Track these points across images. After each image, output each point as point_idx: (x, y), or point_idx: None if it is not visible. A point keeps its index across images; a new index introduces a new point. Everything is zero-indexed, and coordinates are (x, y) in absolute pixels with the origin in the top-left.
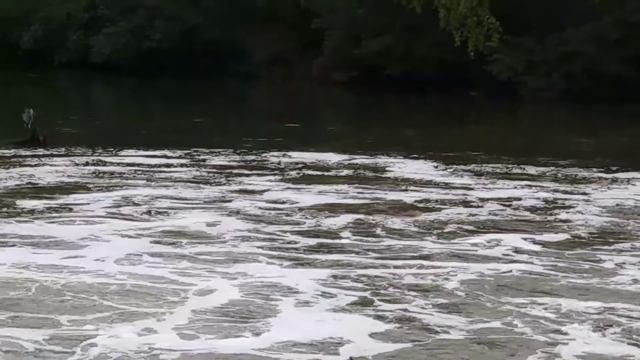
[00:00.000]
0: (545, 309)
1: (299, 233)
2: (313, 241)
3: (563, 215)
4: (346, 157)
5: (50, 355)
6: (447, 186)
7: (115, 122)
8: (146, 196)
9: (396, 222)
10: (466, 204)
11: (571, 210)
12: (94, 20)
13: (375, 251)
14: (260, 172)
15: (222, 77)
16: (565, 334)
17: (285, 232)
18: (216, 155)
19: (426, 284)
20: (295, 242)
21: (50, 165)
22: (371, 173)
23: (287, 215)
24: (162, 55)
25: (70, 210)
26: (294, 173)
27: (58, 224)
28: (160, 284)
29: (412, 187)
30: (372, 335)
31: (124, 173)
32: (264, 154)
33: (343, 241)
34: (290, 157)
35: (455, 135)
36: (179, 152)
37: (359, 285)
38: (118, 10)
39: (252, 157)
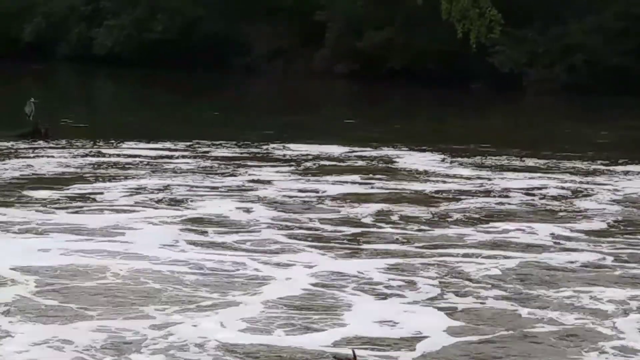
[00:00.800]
0: (604, 299)
1: (331, 222)
2: (350, 230)
3: (588, 204)
4: (351, 149)
5: (144, 344)
6: (461, 177)
7: (116, 115)
8: (160, 185)
9: (424, 212)
10: (487, 193)
11: (596, 199)
12: (96, 12)
13: (418, 240)
14: (268, 163)
15: (223, 70)
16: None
17: (317, 220)
18: (218, 147)
19: (483, 274)
20: (334, 231)
21: (54, 157)
22: (382, 164)
23: (315, 203)
24: (163, 48)
25: (92, 200)
26: (306, 164)
27: (86, 213)
28: (225, 273)
29: (426, 178)
30: (447, 329)
31: (130, 164)
32: (267, 147)
33: (382, 230)
34: (294, 149)
35: (460, 128)
36: (182, 144)
37: (421, 276)
38: (120, 2)
39: (257, 150)
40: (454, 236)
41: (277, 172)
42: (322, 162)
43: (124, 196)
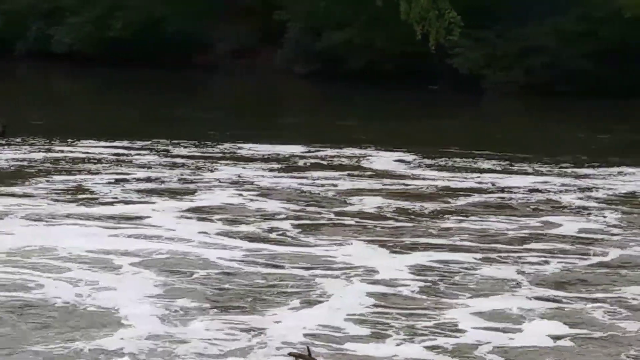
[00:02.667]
0: None
1: (349, 214)
2: (380, 223)
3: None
4: (311, 148)
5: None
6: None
7: (75, 113)
8: (143, 178)
9: (433, 206)
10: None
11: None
12: (56, 10)
13: (454, 233)
14: (237, 162)
15: (185, 68)
16: None
17: (335, 213)
18: (177, 147)
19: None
20: (362, 224)
21: (14, 153)
22: (350, 163)
23: (324, 196)
24: (124, 45)
25: (90, 192)
26: (276, 163)
27: (91, 205)
28: (288, 268)
29: (399, 179)
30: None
31: (92, 160)
32: (230, 145)
33: (411, 224)
34: (258, 149)
35: (421, 129)
36: (139, 143)
37: (489, 272)
38: (80, 0)
39: (221, 148)
40: (485, 229)
41: (245, 169)
42: (287, 161)
43: (113, 188)
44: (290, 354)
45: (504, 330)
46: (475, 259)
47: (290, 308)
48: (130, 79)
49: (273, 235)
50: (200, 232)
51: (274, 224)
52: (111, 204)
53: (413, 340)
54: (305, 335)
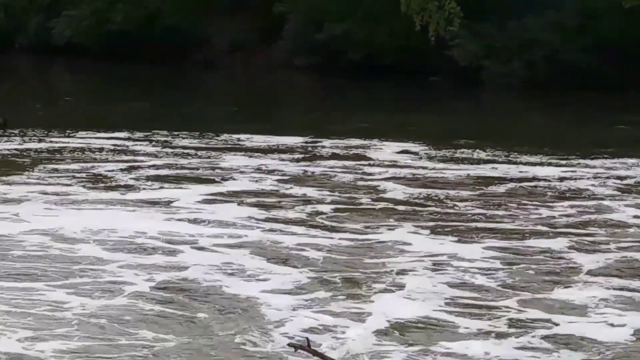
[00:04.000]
0: None
1: (387, 200)
2: (427, 210)
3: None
4: (308, 140)
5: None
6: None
7: (75, 105)
8: (155, 165)
9: (471, 195)
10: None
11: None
12: (56, 3)
13: (519, 219)
14: (243, 152)
15: (183, 64)
16: None
17: (372, 199)
18: (176, 138)
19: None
20: (413, 211)
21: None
22: (353, 154)
23: (351, 183)
24: (123, 39)
25: (110, 179)
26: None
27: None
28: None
29: (419, 169)
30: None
31: (99, 150)
32: (236, 137)
33: (463, 210)
34: (263, 140)
35: (424, 121)
36: (137, 134)
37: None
38: None
39: (226, 139)
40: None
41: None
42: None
43: (131, 177)
44: (289, 345)
45: (591, 322)
46: (543, 246)
47: (382, 291)
48: (129, 74)
49: (322, 221)
50: (249, 217)
51: (320, 208)
52: (136, 190)
53: (498, 335)
54: (397, 320)
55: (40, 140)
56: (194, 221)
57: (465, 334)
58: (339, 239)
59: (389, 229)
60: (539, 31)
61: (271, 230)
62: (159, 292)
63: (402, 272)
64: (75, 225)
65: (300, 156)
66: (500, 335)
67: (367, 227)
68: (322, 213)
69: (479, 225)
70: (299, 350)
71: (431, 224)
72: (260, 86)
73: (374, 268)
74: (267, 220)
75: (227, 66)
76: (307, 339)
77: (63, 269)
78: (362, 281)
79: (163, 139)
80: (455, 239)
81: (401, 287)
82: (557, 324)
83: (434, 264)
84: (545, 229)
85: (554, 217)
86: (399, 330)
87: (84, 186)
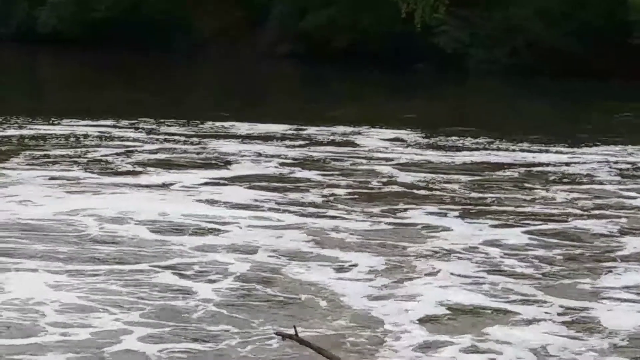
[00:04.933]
0: None
1: (402, 185)
2: (446, 194)
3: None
4: (299, 127)
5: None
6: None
7: (61, 94)
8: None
9: (484, 179)
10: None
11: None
12: None
13: (542, 203)
14: (231, 139)
15: (168, 51)
16: None
17: (382, 183)
18: (162, 125)
19: None
20: (431, 195)
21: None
22: (344, 141)
23: (350, 167)
24: (108, 27)
25: (109, 163)
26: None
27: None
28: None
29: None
30: None
31: (89, 137)
32: (222, 124)
33: (481, 195)
34: (251, 128)
35: (413, 109)
36: (124, 122)
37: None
38: None
39: (213, 127)
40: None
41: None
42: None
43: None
44: (277, 334)
45: None
46: (579, 230)
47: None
48: (113, 61)
49: (342, 205)
50: (269, 200)
51: (335, 192)
52: (138, 174)
53: (551, 323)
54: (445, 306)
55: (20, 127)
56: (215, 203)
57: (517, 320)
58: (369, 222)
59: (414, 212)
60: (523, 17)
61: (301, 214)
62: (254, 273)
63: (438, 256)
64: (103, 209)
65: (292, 143)
66: (553, 323)
67: (390, 211)
68: (338, 196)
69: (503, 209)
70: (287, 339)
71: (457, 207)
72: (245, 74)
73: (412, 252)
74: (290, 203)
75: (212, 54)
76: (295, 327)
77: (141, 252)
78: (403, 265)
79: (149, 126)
80: (489, 223)
81: (440, 272)
82: (609, 310)
83: (470, 248)
84: (578, 211)
85: (578, 200)
86: (449, 316)
87: (85, 171)
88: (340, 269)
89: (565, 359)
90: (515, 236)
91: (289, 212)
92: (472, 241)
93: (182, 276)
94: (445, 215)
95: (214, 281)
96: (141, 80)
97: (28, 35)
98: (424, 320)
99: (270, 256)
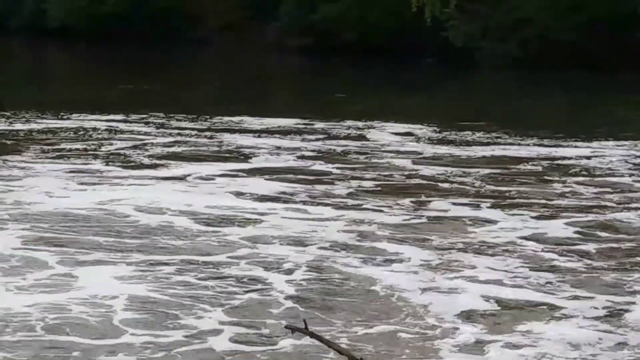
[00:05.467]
0: None
1: (428, 178)
2: (473, 188)
3: None
4: (309, 122)
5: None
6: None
7: (70, 88)
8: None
9: (507, 173)
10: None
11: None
12: None
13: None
14: (244, 133)
15: (175, 45)
16: None
17: (405, 176)
18: (172, 120)
19: None
20: (460, 188)
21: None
22: (356, 136)
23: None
24: (116, 20)
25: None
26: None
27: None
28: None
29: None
30: None
31: (102, 131)
32: (232, 119)
33: (510, 188)
34: (263, 122)
35: (427, 103)
36: (134, 116)
37: None
38: None
39: (224, 121)
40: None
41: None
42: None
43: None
44: (286, 327)
45: None
46: (619, 223)
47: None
48: (121, 55)
49: (373, 198)
50: (295, 191)
51: (362, 184)
52: (158, 167)
53: (605, 319)
54: (491, 300)
55: (28, 121)
56: (242, 195)
57: (559, 316)
58: (403, 215)
59: (443, 204)
60: (532, 10)
61: (336, 206)
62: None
63: (481, 249)
64: (138, 199)
65: (308, 137)
66: (593, 320)
67: (420, 203)
68: (366, 189)
69: (534, 201)
70: (296, 332)
71: (486, 200)
72: (252, 68)
73: (453, 245)
74: (321, 196)
75: (220, 46)
76: (305, 320)
77: (201, 244)
78: (446, 259)
79: (159, 120)
80: (527, 214)
81: (482, 266)
82: None
83: (509, 242)
84: (611, 204)
85: (607, 194)
86: (493, 311)
87: (106, 164)
88: (388, 262)
89: (611, 357)
90: (555, 229)
91: (323, 204)
92: (513, 234)
93: (251, 270)
94: (477, 207)
95: (289, 272)
96: (149, 74)
97: (37, 27)
98: (469, 315)
99: (321, 247)
